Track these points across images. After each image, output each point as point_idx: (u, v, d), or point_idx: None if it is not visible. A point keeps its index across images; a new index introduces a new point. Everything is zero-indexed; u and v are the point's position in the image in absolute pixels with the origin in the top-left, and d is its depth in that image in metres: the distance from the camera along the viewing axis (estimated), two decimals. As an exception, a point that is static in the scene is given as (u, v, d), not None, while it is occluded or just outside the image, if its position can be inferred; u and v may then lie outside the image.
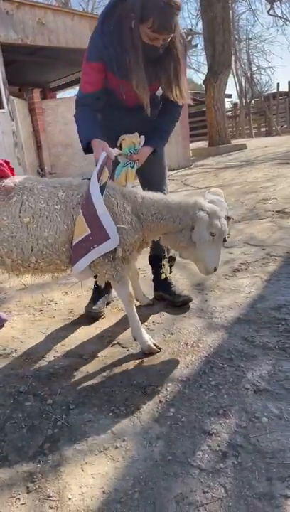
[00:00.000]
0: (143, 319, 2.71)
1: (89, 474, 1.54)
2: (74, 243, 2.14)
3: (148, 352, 2.28)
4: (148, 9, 2.07)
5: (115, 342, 2.45)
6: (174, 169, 10.38)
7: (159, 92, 2.55)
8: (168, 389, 1.95)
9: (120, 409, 1.86)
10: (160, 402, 1.87)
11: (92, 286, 3.23)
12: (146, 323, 2.63)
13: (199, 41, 20.99)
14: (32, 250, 2.14)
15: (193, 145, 17.17)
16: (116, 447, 1.64)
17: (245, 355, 2.14)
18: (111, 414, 1.84)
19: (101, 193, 2.13)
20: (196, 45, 13.69)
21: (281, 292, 2.80)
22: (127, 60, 2.25)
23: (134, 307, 2.30)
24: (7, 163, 2.32)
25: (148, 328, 2.56)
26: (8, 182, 2.20)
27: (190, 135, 19.52)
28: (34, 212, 2.13)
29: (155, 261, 2.93)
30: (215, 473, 1.47)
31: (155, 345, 2.30)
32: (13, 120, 7.81)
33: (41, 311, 3.01)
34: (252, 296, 2.83)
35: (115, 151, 2.36)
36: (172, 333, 2.48)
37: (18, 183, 2.21)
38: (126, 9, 2.17)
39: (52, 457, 1.64)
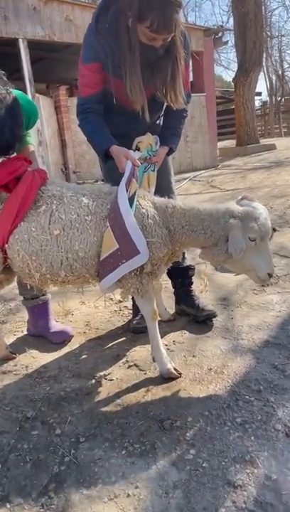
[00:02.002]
0: (163, 336, 2.51)
1: (96, 528, 1.36)
2: (101, 258, 1.96)
3: (167, 377, 2.08)
4: (146, 7, 1.86)
5: (132, 363, 2.27)
6: (200, 169, 10.14)
7: None
8: (188, 424, 1.75)
9: (134, 447, 1.67)
10: (179, 440, 1.67)
11: (111, 297, 3.08)
12: (165, 342, 2.44)
13: (229, 38, 20.64)
14: (62, 264, 1.98)
15: (220, 144, 16.87)
16: (128, 495, 1.46)
17: (275, 388, 1.93)
18: (124, 451, 1.66)
19: (131, 205, 1.94)
20: (226, 42, 13.27)
21: (315, 312, 2.56)
22: (123, 62, 2.06)
23: (157, 325, 2.12)
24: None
25: (168, 349, 2.37)
26: None
27: (217, 134, 19.30)
28: (64, 224, 1.96)
29: (176, 272, 2.73)
30: (240, 538, 1.27)
31: (175, 369, 2.11)
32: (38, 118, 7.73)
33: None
34: (283, 315, 2.60)
35: (136, 154, 2.18)
36: (194, 356, 2.28)
37: (45, 190, 2.05)
38: (123, 6, 1.96)
39: (58, 501, 1.48)
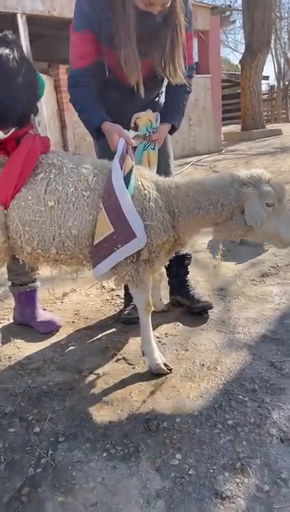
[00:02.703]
0: (155, 328, 2.39)
1: (69, 540, 1.24)
2: (95, 242, 1.80)
3: (156, 373, 1.96)
4: None
5: (121, 357, 2.14)
6: (204, 154, 9.90)
7: None
8: (176, 426, 1.63)
9: (116, 449, 1.55)
10: (165, 443, 1.55)
11: (104, 285, 2.95)
12: (157, 334, 2.31)
13: (238, 18, 20.04)
14: (53, 240, 1.82)
15: (225, 129, 16.56)
16: (106, 504, 1.34)
17: (271, 387, 1.79)
18: (105, 454, 1.53)
19: (127, 185, 1.78)
20: (234, 22, 12.91)
21: (316, 306, 2.42)
22: (116, 30, 1.88)
23: (149, 317, 1.98)
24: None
25: (160, 341, 2.24)
26: None
27: (223, 118, 18.94)
28: (60, 196, 1.80)
29: (171, 260, 2.58)
30: None
31: (165, 364, 1.98)
32: (36, 97, 7.50)
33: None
34: (282, 308, 2.46)
35: (131, 133, 2.02)
36: (186, 350, 2.15)
37: (45, 157, 1.89)
38: None
39: (30, 508, 1.36)
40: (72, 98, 2.11)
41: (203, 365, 2.01)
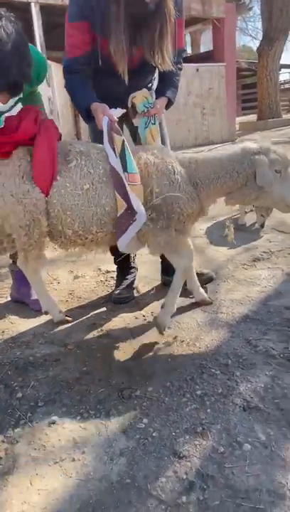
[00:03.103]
0: (143, 307, 2.49)
1: (35, 489, 1.36)
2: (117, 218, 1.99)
3: (158, 330, 2.17)
4: None
5: (105, 332, 2.25)
6: (217, 143, 9.87)
7: None
8: (147, 394, 1.73)
9: (89, 413, 1.66)
10: (135, 409, 1.65)
11: (100, 267, 3.05)
12: (143, 313, 2.41)
13: (256, 4, 19.66)
14: (92, 219, 1.99)
15: (244, 118, 16.41)
16: (73, 459, 1.45)
17: (243, 362, 1.87)
18: (79, 417, 1.65)
19: (127, 163, 1.93)
20: (251, 9, 12.71)
21: (300, 289, 2.47)
22: (107, 18, 1.94)
23: (181, 282, 2.17)
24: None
25: (145, 319, 2.34)
26: None
27: (243, 107, 18.71)
28: (93, 178, 1.97)
29: None
30: (175, 508, 1.25)
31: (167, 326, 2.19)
32: (49, 86, 7.60)
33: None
34: (268, 290, 2.52)
35: (119, 111, 2.10)
36: (169, 327, 2.23)
37: (71, 146, 2.05)
38: None
39: (5, 462, 1.48)
40: (67, 85, 2.20)
41: (183, 341, 2.10)
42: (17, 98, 2.13)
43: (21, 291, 2.63)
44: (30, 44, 2.03)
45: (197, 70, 9.61)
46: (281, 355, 1.89)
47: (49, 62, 7.70)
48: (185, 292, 2.58)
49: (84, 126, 8.76)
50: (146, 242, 2.10)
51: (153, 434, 1.52)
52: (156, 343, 2.10)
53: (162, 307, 2.19)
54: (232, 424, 1.52)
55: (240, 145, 2.12)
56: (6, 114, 2.15)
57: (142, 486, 1.33)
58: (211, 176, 2.08)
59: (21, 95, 2.10)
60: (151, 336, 2.15)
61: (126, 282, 2.67)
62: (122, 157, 1.94)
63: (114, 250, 2.36)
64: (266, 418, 1.54)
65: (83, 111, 2.12)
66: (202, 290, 2.45)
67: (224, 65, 9.88)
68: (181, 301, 2.51)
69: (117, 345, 2.12)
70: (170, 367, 1.90)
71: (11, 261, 2.66)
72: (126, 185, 1.91)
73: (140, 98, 2.20)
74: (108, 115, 2.02)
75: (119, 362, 1.98)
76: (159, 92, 2.31)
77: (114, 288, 2.77)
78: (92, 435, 1.55)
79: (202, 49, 16.04)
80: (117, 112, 2.09)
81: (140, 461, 1.42)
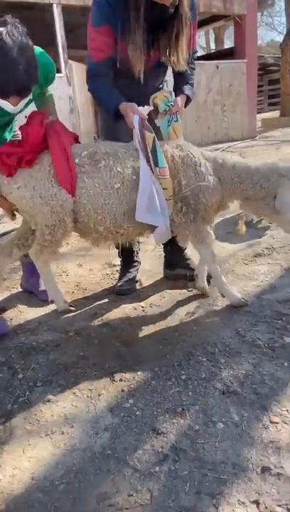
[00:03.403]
0: (143, 299, 2.62)
1: (27, 457, 1.51)
2: None
3: (238, 305, 2.35)
4: None
5: (105, 321, 2.39)
6: (237, 140, 9.88)
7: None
8: (136, 378, 1.86)
9: (82, 393, 1.81)
10: (123, 390, 1.79)
11: (107, 261, 3.19)
12: (143, 304, 2.54)
13: (278, 0, 19.35)
14: (124, 216, 2.15)
15: (268, 114, 16.24)
16: (62, 432, 1.60)
17: (229, 351, 1.98)
18: (71, 396, 1.80)
19: (158, 158, 2.09)
20: (273, 4, 12.58)
21: (295, 284, 2.55)
22: (127, 23, 2.07)
23: (218, 267, 2.33)
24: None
25: (144, 310, 2.47)
26: None
27: (269, 103, 18.47)
28: (123, 177, 2.12)
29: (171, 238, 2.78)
30: (148, 476, 1.38)
31: (243, 299, 2.36)
32: (70, 85, 7.79)
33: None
34: (263, 285, 2.61)
35: (146, 109, 2.23)
36: (165, 318, 2.36)
37: (98, 147, 2.20)
38: None
39: (3, 434, 1.64)
40: (91, 86, 2.33)
41: (176, 331, 2.22)
42: (27, 99, 2.28)
43: (30, 281, 2.80)
44: (37, 47, 2.18)
45: (218, 67, 9.64)
46: (266, 345, 1.98)
47: (70, 61, 7.92)
48: (184, 285, 2.71)
49: (104, 124, 8.93)
50: (176, 234, 2.30)
51: (137, 413, 1.65)
52: (151, 332, 2.23)
53: (222, 296, 2.42)
54: (209, 406, 1.64)
55: (274, 161, 2.29)
56: (19, 115, 2.30)
57: (121, 457, 1.46)
58: (235, 179, 2.23)
59: (31, 97, 2.24)
60: (146, 326, 2.28)
61: (128, 275, 2.80)
62: (153, 153, 2.09)
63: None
64: (242, 401, 1.65)
65: (112, 111, 2.25)
66: (205, 281, 2.58)
67: (245, 61, 9.87)
68: (179, 294, 2.63)
69: (114, 333, 2.26)
70: (160, 354, 2.03)
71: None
72: (154, 189, 2.08)
73: (161, 97, 2.32)
74: (138, 113, 2.15)
75: (114, 348, 2.12)
76: (177, 91, 2.44)
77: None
78: (81, 412, 1.70)
79: (226, 45, 15.97)
80: (145, 110, 2.22)
81: (122, 435, 1.55)
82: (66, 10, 7.71)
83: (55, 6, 7.52)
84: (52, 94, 2.56)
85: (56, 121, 2.28)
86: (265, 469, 1.33)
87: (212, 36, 16.47)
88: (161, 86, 2.59)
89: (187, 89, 2.45)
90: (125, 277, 2.79)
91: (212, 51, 13.39)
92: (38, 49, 2.12)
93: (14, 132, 2.53)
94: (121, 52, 2.20)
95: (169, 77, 2.58)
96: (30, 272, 2.78)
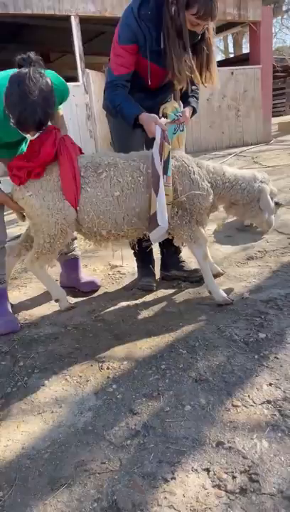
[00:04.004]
0: (138, 297, 2.83)
1: (20, 431, 1.75)
2: (150, 215, 2.40)
3: (223, 303, 2.55)
4: None
5: (101, 318, 2.61)
6: (251, 145, 9.99)
7: None
8: (122, 367, 2.08)
9: (72, 379, 2.04)
10: (108, 377, 2.01)
11: (110, 262, 3.41)
12: (137, 302, 2.75)
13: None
14: (124, 220, 2.42)
15: (287, 118, 16.22)
16: (52, 412, 1.83)
17: (208, 345, 2.18)
18: (63, 381, 2.03)
19: (167, 167, 2.32)
20: (288, 11, 12.62)
21: (280, 285, 2.72)
22: (166, 46, 2.32)
23: (208, 265, 2.59)
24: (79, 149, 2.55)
25: (137, 308, 2.68)
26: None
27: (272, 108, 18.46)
28: (123, 186, 2.37)
29: (167, 242, 2.97)
30: (120, 448, 1.59)
31: (229, 298, 2.57)
32: (87, 93, 8.08)
33: (57, 280, 3.25)
34: (250, 286, 2.79)
35: (164, 121, 2.46)
36: (156, 315, 2.57)
37: (101, 159, 2.45)
38: None
39: (1, 411, 1.88)
40: (109, 96, 2.52)
41: (164, 326, 2.42)
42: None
43: (72, 276, 3.02)
44: (54, 72, 2.42)
45: (232, 73, 9.79)
46: (242, 340, 2.17)
47: (87, 70, 8.20)
48: (177, 285, 2.91)
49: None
50: (173, 235, 2.55)
51: (118, 396, 1.87)
52: (140, 327, 2.44)
53: (210, 293, 2.62)
54: (182, 391, 1.84)
55: (250, 171, 2.73)
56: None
57: (99, 432, 1.68)
58: (226, 183, 2.57)
59: None
60: (137, 321, 2.49)
61: (151, 272, 3.02)
62: (166, 162, 2.33)
63: (135, 246, 2.78)
64: (212, 388, 1.84)
65: (132, 120, 2.45)
66: (215, 265, 2.94)
67: (260, 67, 9.98)
68: (172, 294, 2.84)
69: (108, 327, 2.49)
70: (146, 346, 2.24)
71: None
72: (162, 191, 2.29)
73: (171, 108, 2.57)
74: (160, 125, 2.37)
75: (106, 341, 2.34)
76: (184, 103, 2.68)
77: (119, 281, 3.14)
78: (70, 395, 1.92)
79: (245, 49, 16.06)
80: (164, 121, 2.45)
81: (102, 415, 1.77)
82: (83, 20, 8.01)
83: (73, 17, 7.82)
84: (60, 108, 2.79)
85: (67, 137, 2.48)
86: (219, 443, 1.53)
87: (231, 41, 16.66)
88: (170, 99, 2.83)
89: (193, 102, 2.71)
90: (146, 275, 2.99)
91: (231, 55, 13.50)
92: (54, 76, 2.36)
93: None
94: (141, 69, 2.48)
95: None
96: (71, 267, 3.02)
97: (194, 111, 2.70)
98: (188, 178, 2.43)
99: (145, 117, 2.41)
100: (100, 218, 2.39)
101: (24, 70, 2.11)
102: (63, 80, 2.47)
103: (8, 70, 2.28)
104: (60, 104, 2.60)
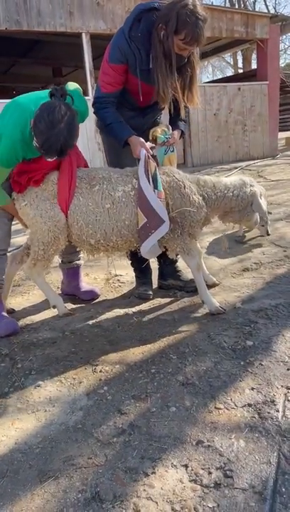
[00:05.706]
0: (133, 306, 2.93)
1: (14, 428, 1.85)
2: (138, 228, 2.53)
3: (216, 313, 2.63)
4: (182, 23, 2.28)
5: (98, 324, 2.72)
6: (257, 158, 10.12)
7: None
8: (114, 370, 2.18)
9: (67, 380, 2.14)
10: (100, 380, 2.11)
11: (111, 271, 3.53)
12: (134, 310, 2.86)
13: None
14: (113, 231, 2.54)
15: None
16: (45, 410, 1.94)
17: (198, 351, 2.27)
18: (58, 383, 2.13)
19: (157, 182, 2.46)
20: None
21: (271, 296, 2.81)
22: (154, 67, 2.46)
23: (202, 275, 2.70)
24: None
25: (133, 315, 2.79)
26: None
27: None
28: (114, 199, 2.51)
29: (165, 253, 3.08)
30: (107, 445, 1.69)
31: (221, 307, 2.66)
32: (96, 107, 8.29)
33: (58, 287, 3.37)
34: (243, 296, 2.88)
35: (149, 145, 2.61)
36: (151, 323, 2.67)
37: (96, 173, 2.60)
38: (159, 19, 2.37)
39: (-2, 409, 1.99)
40: (99, 112, 2.67)
41: (157, 333, 2.52)
42: None
43: (72, 284, 3.15)
44: (79, 91, 2.58)
45: (239, 88, 9.97)
46: (230, 347, 2.26)
47: (96, 85, 8.38)
48: (174, 294, 3.02)
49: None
50: (165, 248, 2.66)
51: (108, 397, 1.97)
52: (135, 333, 2.54)
53: (203, 302, 2.72)
54: (168, 394, 1.94)
55: (239, 177, 2.86)
56: None
57: (88, 430, 1.78)
58: (218, 193, 2.68)
59: None
60: (132, 328, 2.60)
61: (146, 281, 3.13)
62: (154, 178, 2.47)
63: (132, 256, 2.91)
64: (197, 391, 1.93)
65: (122, 141, 2.60)
66: (211, 276, 3.06)
67: (267, 83, 10.15)
68: (168, 302, 2.94)
69: (104, 333, 2.59)
70: (139, 352, 2.34)
71: (59, 260, 3.18)
72: (159, 200, 2.44)
73: (160, 131, 2.72)
74: (146, 148, 2.53)
75: (101, 346, 2.45)
76: (173, 126, 2.82)
77: (118, 289, 3.26)
78: (63, 395, 2.03)
79: (254, 65, 16.29)
80: (149, 145, 2.61)
81: (92, 414, 1.87)
82: (93, 36, 8.25)
83: (84, 34, 8.08)
84: None
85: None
86: (199, 442, 1.62)
87: (239, 57, 16.93)
88: (159, 118, 2.98)
89: (181, 125, 2.85)
90: (144, 283, 3.11)
91: (240, 71, 13.73)
92: (77, 96, 2.50)
93: None
94: (130, 88, 2.62)
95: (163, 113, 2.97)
96: (72, 276, 3.15)
97: (182, 133, 2.85)
98: (179, 193, 2.54)
99: (134, 140, 2.56)
100: (89, 227, 2.51)
101: (55, 101, 2.28)
102: (85, 99, 2.63)
103: (37, 93, 2.46)
104: (80, 122, 2.73)
